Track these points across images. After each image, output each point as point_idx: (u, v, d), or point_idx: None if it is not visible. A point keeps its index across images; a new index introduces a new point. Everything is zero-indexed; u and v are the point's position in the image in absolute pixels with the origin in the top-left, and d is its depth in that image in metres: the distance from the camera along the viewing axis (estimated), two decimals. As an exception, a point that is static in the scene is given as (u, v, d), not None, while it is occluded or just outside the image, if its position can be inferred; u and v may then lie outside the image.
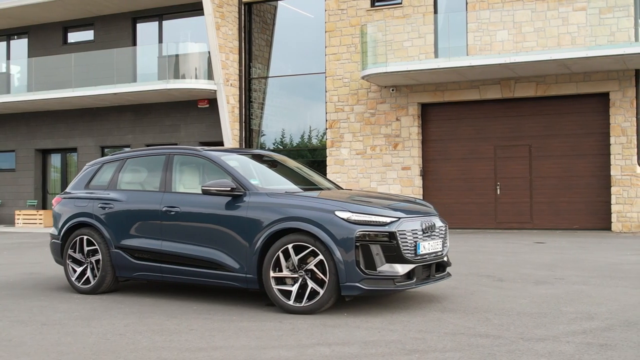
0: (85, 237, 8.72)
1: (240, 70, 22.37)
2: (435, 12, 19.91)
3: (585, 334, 6.07)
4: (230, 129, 21.81)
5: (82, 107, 24.55)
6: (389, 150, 20.24)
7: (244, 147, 22.27)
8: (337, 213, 7.05)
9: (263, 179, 8.45)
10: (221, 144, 21.98)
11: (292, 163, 9.37)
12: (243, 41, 22.52)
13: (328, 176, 20.95)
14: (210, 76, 21.77)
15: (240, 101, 22.35)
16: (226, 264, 7.59)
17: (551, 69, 17.72)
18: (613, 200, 17.97)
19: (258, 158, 9.13)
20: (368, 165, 20.51)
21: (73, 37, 25.83)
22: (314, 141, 22.34)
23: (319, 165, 21.50)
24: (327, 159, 21.09)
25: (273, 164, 9.16)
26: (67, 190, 9.35)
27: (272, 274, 7.21)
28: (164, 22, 24.07)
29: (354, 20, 20.60)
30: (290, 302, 7.13)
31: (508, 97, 18.99)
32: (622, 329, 6.25)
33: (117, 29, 24.53)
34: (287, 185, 8.51)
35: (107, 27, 24.73)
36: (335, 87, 20.99)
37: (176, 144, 23.38)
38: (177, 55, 22.37)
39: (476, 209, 19.63)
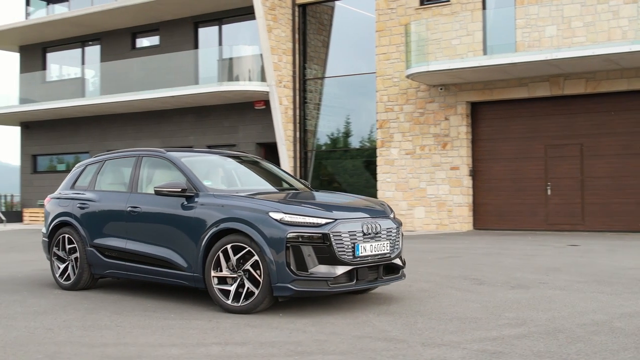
0: (66, 236, 9.11)
1: (293, 72, 22.58)
2: (484, 8, 19.47)
3: (492, 340, 5.89)
4: (283, 130, 22.06)
5: (148, 109, 25.42)
6: (438, 150, 19.95)
7: (298, 147, 22.49)
8: (270, 214, 7.10)
9: (225, 180, 8.60)
10: (276, 144, 22.26)
11: (266, 165, 9.49)
12: (297, 42, 22.71)
13: (378, 177, 20.88)
14: (263, 78, 22.09)
15: (293, 102, 22.55)
16: (177, 263, 7.78)
17: (598, 65, 17.02)
18: (668, 202, 17.09)
19: (232, 159, 9.24)
20: (417, 165, 20.28)
21: (141, 42, 26.80)
22: (366, 141, 22.28)
23: (370, 166, 21.42)
24: (377, 159, 20.99)
25: (245, 165, 9.28)
26: (58, 190, 9.78)
27: (213, 273, 7.34)
28: (224, 26, 24.61)
29: (403, 19, 20.42)
30: (229, 302, 7.24)
31: (557, 94, 18.36)
32: (539, 336, 6.01)
33: (181, 33, 25.26)
34: (250, 186, 8.61)
35: (171, 32, 25.51)
36: (385, 87, 20.87)
37: (234, 145, 23.88)
38: (231, 59, 22.83)
39: (526, 210, 19.07)
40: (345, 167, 23.06)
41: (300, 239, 6.99)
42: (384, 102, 20.88)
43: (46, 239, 9.49)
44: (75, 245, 8.97)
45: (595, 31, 17.54)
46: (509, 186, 19.36)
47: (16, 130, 29.82)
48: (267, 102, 22.69)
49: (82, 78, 27.45)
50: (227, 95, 22.68)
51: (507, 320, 6.71)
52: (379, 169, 20.96)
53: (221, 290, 7.30)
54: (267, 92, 21.91)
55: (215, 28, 24.78)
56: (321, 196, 8.27)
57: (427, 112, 20.17)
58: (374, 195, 21.05)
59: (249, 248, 7.13)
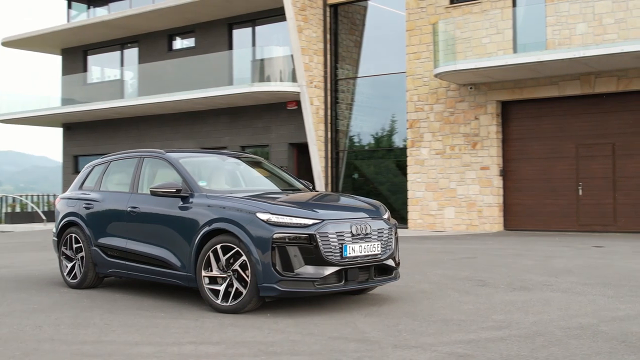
0: (73, 235, 9.32)
1: (324, 72, 22.61)
2: (514, 5, 19.20)
3: (466, 343, 5.84)
4: (314, 130, 22.11)
5: (183, 111, 25.73)
6: (468, 149, 19.75)
7: (329, 148, 22.50)
8: (257, 214, 7.15)
9: (223, 181, 8.68)
10: (307, 144, 22.34)
11: (266, 166, 9.56)
12: (328, 43, 22.73)
13: (408, 177, 20.78)
14: (294, 79, 22.18)
15: (325, 102, 22.59)
16: (172, 263, 7.90)
17: (630, 62, 16.64)
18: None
19: (232, 160, 9.32)
20: (447, 165, 20.11)
21: (177, 44, 27.17)
22: (396, 141, 22.18)
23: (401, 166, 21.32)
24: (408, 159, 20.88)
25: (244, 166, 9.34)
26: (68, 190, 10.00)
27: (204, 273, 7.43)
28: (257, 28, 24.77)
29: (433, 18, 20.26)
30: (218, 301, 7.32)
31: (588, 92, 18.00)
32: (517, 340, 5.94)
33: (215, 35, 25.52)
34: (247, 187, 8.70)
35: (206, 34, 25.79)
36: (415, 87, 20.76)
37: (267, 146, 24.04)
38: (262, 60, 22.98)
39: (557, 210, 18.74)
40: (376, 167, 23.01)
41: (286, 240, 7.02)
42: (414, 101, 20.76)
43: (55, 239, 9.71)
44: (81, 244, 9.16)
45: (627, 28, 17.14)
46: (540, 186, 19.06)
47: (59, 132, 30.44)
48: (299, 103, 22.76)
49: (121, 80, 27.94)
50: (259, 96, 22.83)
51: (492, 323, 6.64)
52: (409, 169, 20.85)
53: (211, 290, 7.39)
54: (298, 92, 21.99)
55: (249, 29, 24.97)
56: (315, 197, 8.28)
57: (457, 112, 19.99)
58: (405, 195, 20.96)
59: (237, 248, 7.20)
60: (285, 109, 23.42)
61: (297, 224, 7.09)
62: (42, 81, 29.14)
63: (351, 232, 7.28)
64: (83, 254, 9.13)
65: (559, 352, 5.50)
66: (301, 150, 23.38)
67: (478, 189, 19.54)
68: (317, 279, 7.05)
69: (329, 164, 22.68)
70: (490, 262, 11.63)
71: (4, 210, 28.90)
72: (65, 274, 9.43)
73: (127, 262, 8.56)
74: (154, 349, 5.79)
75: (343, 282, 7.26)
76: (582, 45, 17.22)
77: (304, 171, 23.23)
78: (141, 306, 7.86)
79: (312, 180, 22.71)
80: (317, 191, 9.07)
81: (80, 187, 9.70)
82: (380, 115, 22.81)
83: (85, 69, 29.73)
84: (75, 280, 9.25)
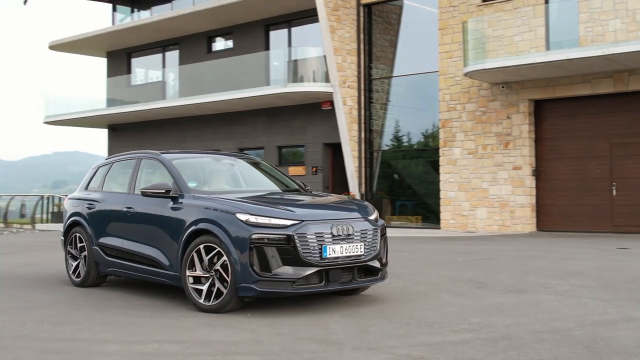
0: (77, 235, 9.58)
1: (358, 72, 22.60)
2: (546, 2, 18.87)
3: (427, 346, 5.82)
4: (347, 130, 22.13)
5: (222, 111, 26.04)
6: (500, 149, 19.51)
7: (363, 147, 22.49)
8: (237, 215, 7.24)
9: (215, 182, 8.80)
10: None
11: (263, 166, 9.62)
12: (362, 43, 22.71)
13: (441, 177, 20.62)
14: (328, 79, 22.23)
15: (358, 102, 22.58)
16: (162, 262, 8.05)
17: (663, 59, 16.20)
18: None
19: (227, 161, 9.43)
20: (479, 165, 19.90)
21: (216, 45, 27.51)
22: (430, 141, 22.04)
23: (435, 166, 21.16)
24: (440, 159, 20.73)
25: (239, 167, 9.42)
26: (76, 191, 10.27)
27: (188, 272, 7.56)
28: (293, 29, 24.92)
29: (465, 16, 20.06)
30: (201, 301, 7.44)
31: (622, 90, 17.58)
32: (480, 343, 5.89)
33: (253, 36, 25.76)
34: (239, 187, 8.80)
35: (244, 35, 26.06)
36: (447, 86, 20.59)
37: (303, 146, 24.16)
38: (295, 60, 23.10)
39: (591, 211, 18.35)
40: (410, 168, 22.90)
41: (265, 240, 7.09)
42: (447, 101, 20.60)
43: (62, 238, 9.98)
44: (85, 244, 9.40)
45: (661, 24, 16.70)
46: (573, 186, 18.69)
47: (105, 133, 31.16)
48: (332, 103, 22.81)
49: (162, 81, 28.42)
50: (293, 97, 22.96)
51: (466, 326, 6.59)
52: (441, 169, 20.69)
53: (195, 289, 7.51)
54: (331, 92, 22.04)
55: (285, 30, 25.13)
56: (301, 198, 8.32)
57: (489, 111, 19.76)
58: (437, 196, 20.82)
59: (219, 249, 7.30)
60: (320, 109, 23.49)
61: (275, 224, 7.15)
62: (88, 83, 29.71)
63: (331, 233, 7.30)
64: (86, 253, 9.36)
65: (515, 356, 5.44)
66: (336, 151, 23.42)
67: (510, 189, 19.28)
68: (295, 280, 7.10)
69: (363, 164, 22.65)
70: (502, 264, 11.49)
71: (50, 210, 29.70)
72: (70, 272, 9.69)
73: (123, 262, 8.76)
74: (118, 347, 5.93)
75: (324, 282, 7.29)
76: (614, 42, 16.83)
77: (339, 171, 23.27)
78: (131, 305, 8.03)
79: (345, 180, 22.76)
80: (309, 192, 9.09)
81: (86, 188, 9.95)
82: (415, 115, 22.70)
83: (129, 71, 30.35)
84: (79, 279, 9.50)
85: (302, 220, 7.23)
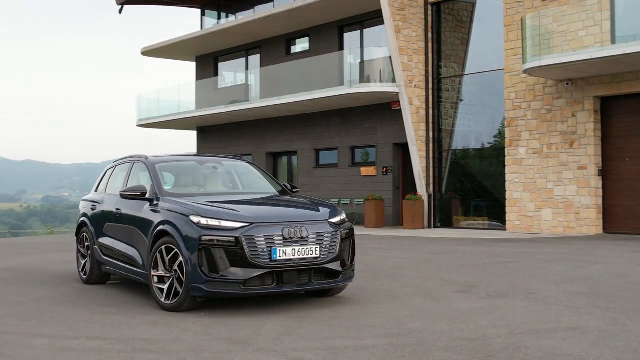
0: (85, 235, 10.14)
1: (426, 71, 22.40)
2: (612, -5, 18.07)
3: (330, 349, 5.90)
4: (414, 130, 21.99)
5: (298, 112, 26.45)
6: (565, 148, 18.84)
7: (431, 148, 22.28)
8: (191, 217, 7.52)
9: (193, 184, 9.12)
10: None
11: (247, 169, 9.77)
12: (430, 42, 22.49)
13: (507, 177, 20.15)
14: (394, 79, 22.17)
15: (426, 102, 22.38)
16: (138, 261, 8.47)
17: None
18: None
19: (211, 164, 9.68)
20: (544, 165, 19.29)
21: (294, 48, 27.95)
22: (498, 141, 21.54)
23: (502, 166, 20.67)
24: (506, 158, 20.25)
25: (221, 170, 9.65)
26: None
27: (153, 272, 7.91)
28: (365, 30, 24.99)
29: (530, 12, 19.50)
30: (162, 299, 7.77)
31: (690, 86, 16.62)
32: (385, 348, 5.90)
33: (327, 37, 26.02)
34: (215, 190, 9.07)
35: (319, 37, 26.36)
36: (512, 84, 20.09)
37: (374, 146, 24.20)
38: (362, 62, 23.18)
39: (660, 213, 17.45)
40: (480, 168, 22.48)
41: (214, 242, 7.33)
42: (512, 99, 20.10)
43: (75, 237, 10.60)
44: (89, 243, 9.96)
45: None
46: (641, 187, 17.82)
47: (194, 135, 32.31)
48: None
49: (246, 84, 29.15)
50: (362, 97, 23.04)
51: (396, 331, 6.58)
52: (507, 169, 20.21)
53: (158, 288, 7.84)
54: (397, 92, 21.97)
55: (358, 32, 25.25)
56: (262, 200, 8.51)
57: (554, 109, 19.13)
58: (503, 196, 20.36)
59: (176, 250, 7.59)
60: (390, 109, 23.45)
61: (224, 227, 7.37)
62: (176, 87, 30.89)
63: (282, 235, 7.44)
64: (90, 252, 9.92)
65: (401, 362, 5.42)
66: (406, 151, 23.31)
67: (575, 189, 18.60)
68: (243, 281, 7.28)
69: (431, 164, 22.43)
70: (519, 268, 11.19)
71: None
72: (80, 270, 10.28)
73: (114, 261, 9.23)
74: (47, 342, 6.33)
75: (275, 284, 7.43)
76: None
77: (409, 172, 23.15)
78: (109, 303, 8.46)
79: (411, 180, 22.63)
80: (294, 195, 9.19)
81: (96, 190, 10.51)
82: (485, 114, 22.27)
83: (215, 75, 31.29)
84: (86, 277, 10.06)
85: (252, 223, 7.41)
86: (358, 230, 21.33)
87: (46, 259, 14.17)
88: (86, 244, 10.11)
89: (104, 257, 9.52)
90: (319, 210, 8.07)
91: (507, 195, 20.15)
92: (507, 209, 20.15)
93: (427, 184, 22.32)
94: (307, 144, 26.57)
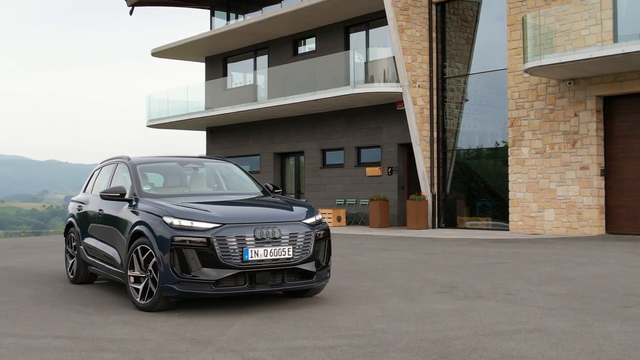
0: (72, 235, 10.26)
1: (430, 71, 22.36)
2: (614, -6, 17.93)
3: (288, 350, 5.94)
4: (417, 130, 21.96)
5: (305, 113, 26.51)
6: (568, 148, 18.74)
7: (435, 148, 22.24)
8: (164, 218, 7.59)
9: (173, 185, 9.20)
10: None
11: (231, 170, 9.82)
12: (434, 41, 22.46)
13: (510, 177, 20.08)
14: (398, 79, 22.16)
15: (430, 102, 22.35)
16: (117, 261, 8.55)
17: None
18: None
19: (192, 165, 9.73)
20: (547, 164, 19.20)
21: (301, 48, 28.02)
22: (501, 141, 21.46)
23: (505, 166, 20.60)
24: (509, 158, 20.18)
25: (202, 171, 9.72)
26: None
27: (129, 272, 8.00)
28: (371, 30, 24.99)
29: (533, 11, 19.41)
30: (138, 299, 7.85)
31: (691, 85, 16.47)
32: (343, 349, 5.93)
33: (334, 37, 26.05)
34: (194, 191, 9.14)
35: (325, 37, 26.40)
36: (516, 83, 20.01)
37: (379, 146, 24.19)
38: (365, 62, 23.17)
39: (662, 213, 17.31)
40: (483, 168, 22.40)
41: (186, 242, 7.40)
42: (515, 99, 20.03)
43: (64, 237, 10.72)
44: (76, 243, 10.08)
45: None
46: (643, 187, 17.69)
47: (203, 135, 32.47)
48: (406, 103, 22.70)
49: (254, 85, 29.25)
50: (367, 97, 23.06)
51: (359, 332, 6.61)
52: (510, 169, 20.14)
53: (134, 288, 7.93)
54: (401, 92, 21.95)
55: (363, 32, 25.26)
56: (235, 201, 8.58)
57: (557, 109, 19.04)
58: (506, 197, 20.29)
59: (150, 250, 7.67)
60: (395, 109, 23.44)
61: (196, 227, 7.44)
62: (185, 88, 31.04)
63: (254, 236, 7.49)
64: (77, 252, 10.03)
65: (354, 363, 5.46)
66: (411, 151, 23.27)
67: (577, 189, 18.50)
68: (214, 281, 7.34)
69: (435, 164, 22.39)
70: (506, 269, 11.17)
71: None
72: (67, 270, 10.40)
73: (97, 261, 9.33)
74: (14, 340, 6.44)
75: (247, 284, 7.49)
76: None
77: (414, 172, 23.12)
78: (88, 303, 8.55)
79: (416, 181, 22.60)
80: (274, 195, 9.23)
81: (84, 190, 10.62)
82: (489, 113, 22.20)
83: (225, 75, 31.43)
84: (73, 276, 10.19)
85: (224, 224, 7.47)
86: (362, 231, 21.40)
87: (45, 259, 14.34)
88: (73, 244, 10.23)
89: (89, 257, 9.63)
90: (293, 211, 8.11)
91: (510, 195, 20.08)
92: (510, 209, 20.08)
93: (432, 184, 22.29)
94: (313, 144, 26.62)
